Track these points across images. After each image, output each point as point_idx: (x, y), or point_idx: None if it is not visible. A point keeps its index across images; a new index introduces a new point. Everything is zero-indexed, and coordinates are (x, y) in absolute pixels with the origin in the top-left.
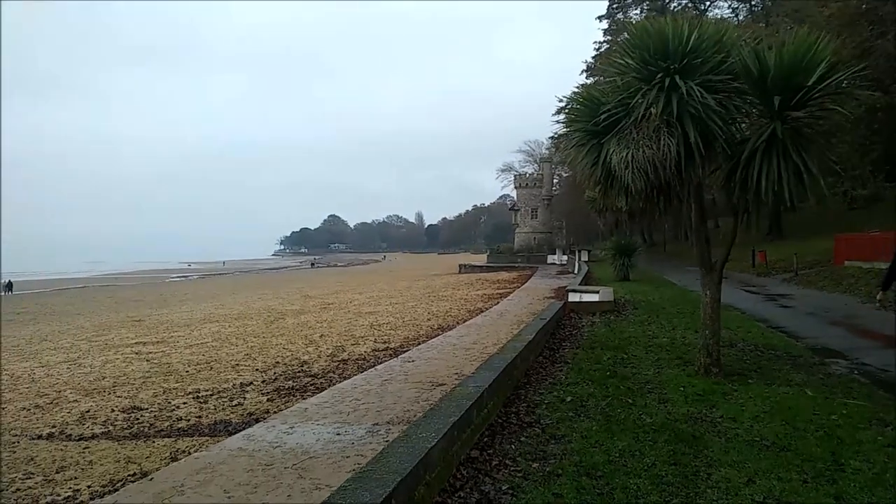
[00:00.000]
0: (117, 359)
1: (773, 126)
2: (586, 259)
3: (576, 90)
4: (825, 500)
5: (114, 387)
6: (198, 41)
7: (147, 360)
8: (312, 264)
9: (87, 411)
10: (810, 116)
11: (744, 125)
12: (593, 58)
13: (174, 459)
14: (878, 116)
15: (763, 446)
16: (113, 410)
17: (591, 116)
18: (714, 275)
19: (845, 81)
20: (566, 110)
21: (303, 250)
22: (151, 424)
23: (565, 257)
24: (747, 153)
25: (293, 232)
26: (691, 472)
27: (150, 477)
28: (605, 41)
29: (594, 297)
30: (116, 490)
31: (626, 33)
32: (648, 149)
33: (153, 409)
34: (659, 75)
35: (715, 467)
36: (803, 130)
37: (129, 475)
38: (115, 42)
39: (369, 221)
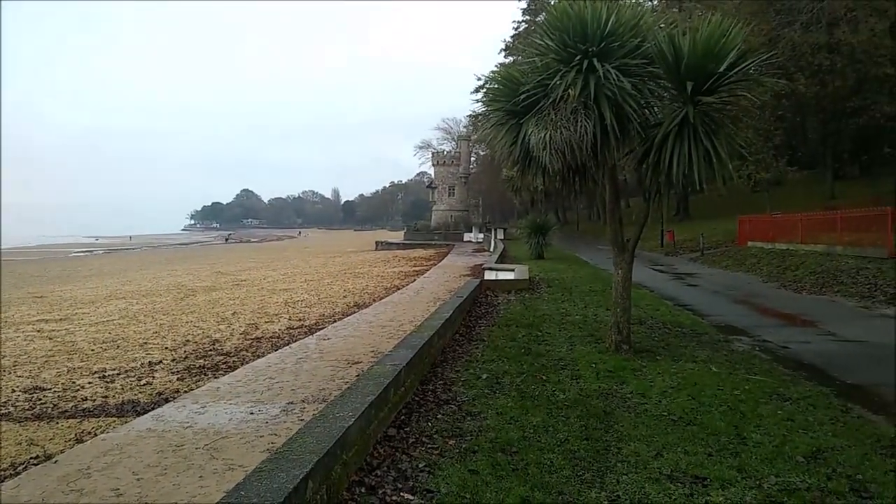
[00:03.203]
0: (17, 337)
1: (685, 110)
2: (502, 237)
3: (495, 70)
4: (729, 472)
5: (14, 366)
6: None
7: (50, 339)
8: (226, 240)
9: None
10: (720, 102)
11: (657, 109)
12: (512, 37)
13: (79, 441)
14: (783, 103)
15: (670, 421)
16: (13, 391)
17: (511, 97)
18: (626, 254)
19: (754, 68)
20: (485, 89)
21: (214, 225)
22: (55, 405)
23: (481, 235)
24: (660, 136)
25: (204, 206)
26: (602, 447)
27: (54, 459)
28: (523, 20)
29: (510, 276)
30: (18, 473)
31: (545, 14)
32: (566, 130)
33: (56, 389)
34: (577, 57)
35: (625, 442)
36: (713, 115)
37: (31, 458)
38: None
39: (284, 197)
